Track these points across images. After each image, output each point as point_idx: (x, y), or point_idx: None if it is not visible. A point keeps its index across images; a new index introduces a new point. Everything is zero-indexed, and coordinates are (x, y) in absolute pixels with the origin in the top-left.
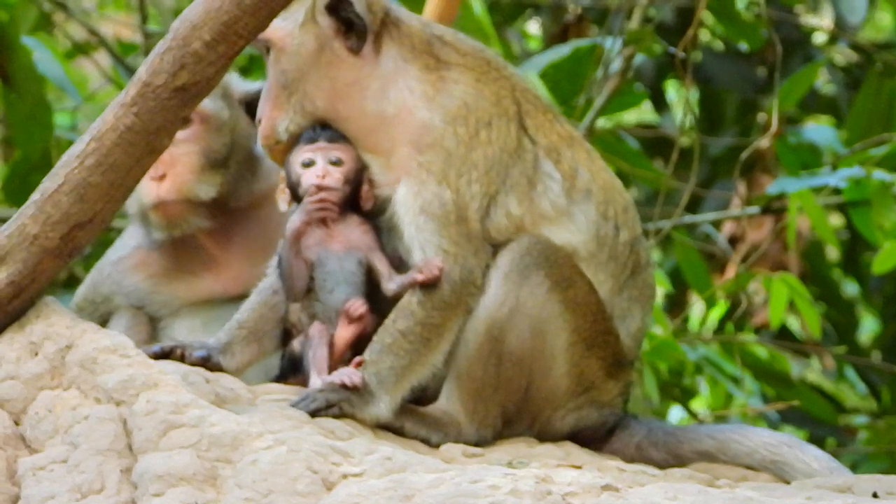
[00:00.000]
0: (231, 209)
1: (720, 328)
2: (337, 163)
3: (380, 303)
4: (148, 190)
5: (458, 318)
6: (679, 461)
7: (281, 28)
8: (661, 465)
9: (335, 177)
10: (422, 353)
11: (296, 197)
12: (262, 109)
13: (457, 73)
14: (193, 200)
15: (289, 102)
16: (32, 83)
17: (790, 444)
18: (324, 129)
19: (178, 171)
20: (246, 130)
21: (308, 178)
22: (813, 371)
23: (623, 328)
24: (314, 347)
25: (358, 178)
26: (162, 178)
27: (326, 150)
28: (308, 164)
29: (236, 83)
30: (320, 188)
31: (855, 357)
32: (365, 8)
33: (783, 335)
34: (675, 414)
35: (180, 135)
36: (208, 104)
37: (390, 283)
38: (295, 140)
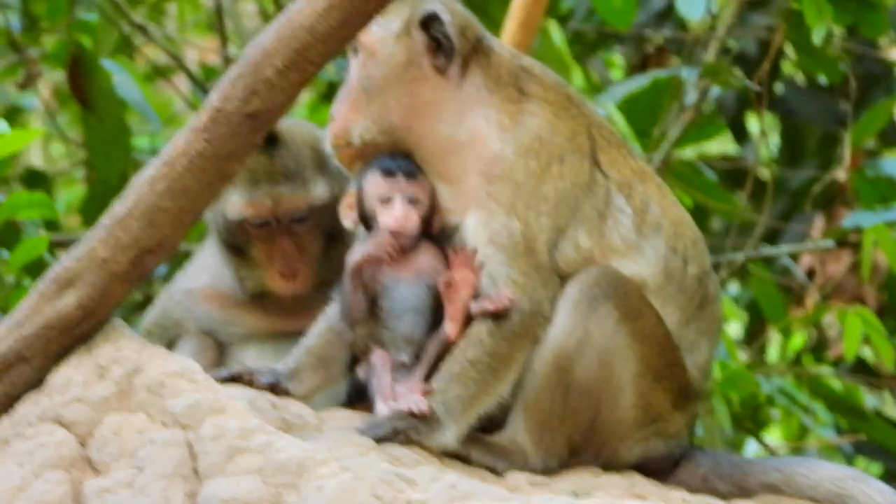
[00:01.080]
0: None
1: (797, 360)
2: (413, 201)
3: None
4: (279, 285)
5: (525, 348)
6: (744, 493)
7: (375, 33)
8: (727, 497)
9: (412, 220)
10: (489, 383)
11: (363, 220)
12: (338, 109)
13: (536, 106)
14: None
15: (368, 108)
16: (112, 106)
17: (855, 479)
18: (402, 160)
19: (308, 263)
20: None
21: (385, 220)
22: (888, 404)
23: (690, 360)
24: (378, 374)
25: (432, 210)
26: (294, 276)
27: (405, 189)
28: (385, 201)
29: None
30: (396, 232)
31: None
32: (457, 31)
33: (860, 368)
34: (751, 447)
35: (301, 227)
36: (320, 190)
37: (472, 304)
38: (367, 152)
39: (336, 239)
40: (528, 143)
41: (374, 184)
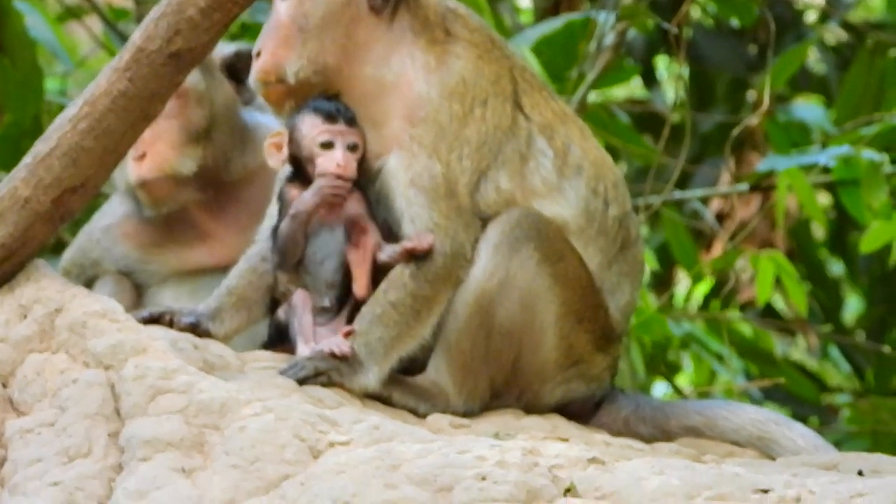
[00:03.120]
0: (223, 182)
1: (705, 305)
2: (353, 148)
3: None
4: (131, 169)
5: (447, 291)
6: (666, 436)
7: None
8: (648, 440)
9: (352, 166)
10: (411, 325)
11: (294, 162)
12: (266, 45)
13: (461, 48)
14: (176, 176)
15: (303, 47)
16: (25, 48)
17: (777, 422)
18: (341, 105)
19: (157, 149)
20: (229, 99)
21: (327, 164)
22: (797, 350)
23: (612, 302)
24: (299, 316)
25: (364, 156)
26: (142, 157)
27: (346, 135)
28: (326, 146)
29: (216, 48)
30: (339, 177)
31: (839, 336)
32: None
33: (768, 314)
34: (660, 389)
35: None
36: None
37: (381, 253)
38: (297, 91)
39: (197, 140)
40: (452, 85)
41: (314, 127)
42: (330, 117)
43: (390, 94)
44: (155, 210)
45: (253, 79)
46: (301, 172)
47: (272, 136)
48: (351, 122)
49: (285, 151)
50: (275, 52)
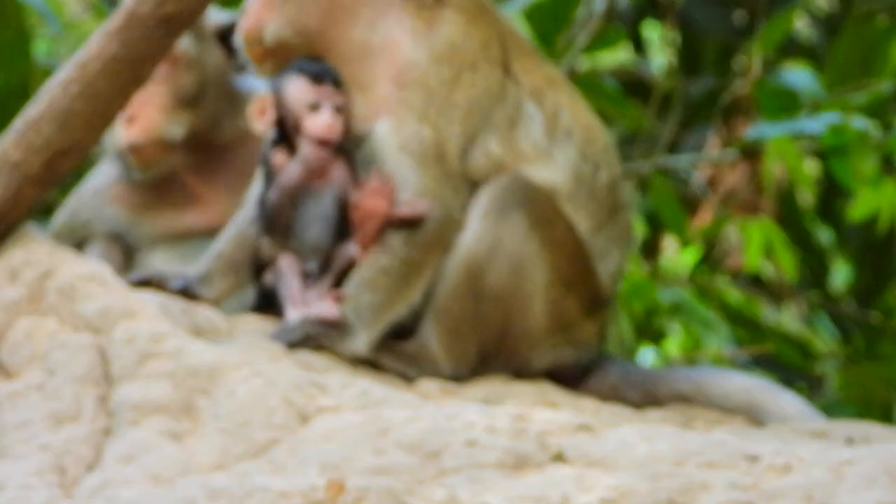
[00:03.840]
0: (214, 145)
1: (693, 272)
2: (339, 109)
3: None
4: (120, 133)
5: (437, 256)
6: (655, 402)
7: None
8: (637, 406)
9: (338, 128)
10: (401, 290)
11: (280, 125)
12: (251, 4)
13: (451, 13)
14: (165, 141)
15: (283, 8)
16: (11, 10)
17: (766, 389)
18: (327, 66)
19: (146, 113)
20: (220, 65)
21: (314, 127)
22: (785, 317)
23: (601, 268)
24: (287, 280)
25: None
26: (132, 121)
27: (332, 97)
28: (313, 108)
29: (209, 15)
30: (325, 141)
31: (827, 303)
32: None
33: (755, 281)
34: (647, 356)
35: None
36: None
37: None
38: (278, 52)
39: (187, 105)
40: (441, 50)
41: (300, 89)
42: (316, 78)
43: (377, 58)
44: (144, 174)
45: (237, 38)
46: (286, 136)
47: (255, 101)
48: (337, 83)
49: (270, 115)
50: (258, 12)
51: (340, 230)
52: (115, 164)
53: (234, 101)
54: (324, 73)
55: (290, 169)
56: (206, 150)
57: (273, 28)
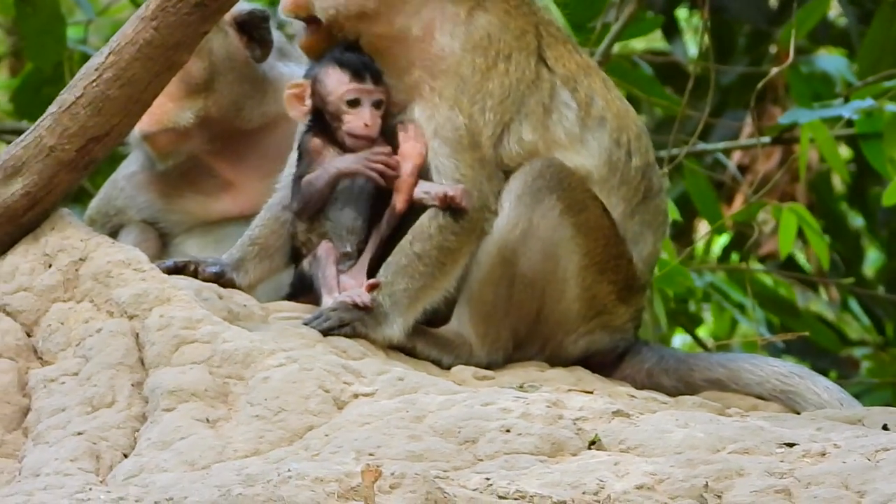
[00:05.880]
0: (241, 131)
1: (725, 257)
2: (378, 105)
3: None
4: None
5: (473, 242)
6: (690, 389)
7: None
8: (672, 393)
9: (377, 124)
10: (435, 276)
11: (317, 113)
12: None
13: (490, 3)
14: (176, 128)
15: None
16: None
17: (801, 375)
18: (367, 59)
19: (157, 102)
20: (232, 52)
21: (355, 126)
22: (818, 302)
23: (635, 253)
24: (323, 267)
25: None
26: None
27: (372, 93)
28: (353, 104)
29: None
30: (364, 138)
31: (859, 289)
32: None
33: (788, 266)
34: (679, 341)
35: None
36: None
37: (418, 188)
38: (324, 30)
39: (197, 92)
40: (476, 39)
41: (341, 84)
42: (357, 74)
43: (413, 45)
44: (162, 162)
45: (281, 9)
46: (323, 123)
47: (292, 86)
48: (377, 78)
49: (308, 103)
50: None
51: (374, 212)
52: (140, 153)
53: (260, 87)
54: (365, 69)
55: (345, 159)
56: (231, 136)
57: (327, 4)
